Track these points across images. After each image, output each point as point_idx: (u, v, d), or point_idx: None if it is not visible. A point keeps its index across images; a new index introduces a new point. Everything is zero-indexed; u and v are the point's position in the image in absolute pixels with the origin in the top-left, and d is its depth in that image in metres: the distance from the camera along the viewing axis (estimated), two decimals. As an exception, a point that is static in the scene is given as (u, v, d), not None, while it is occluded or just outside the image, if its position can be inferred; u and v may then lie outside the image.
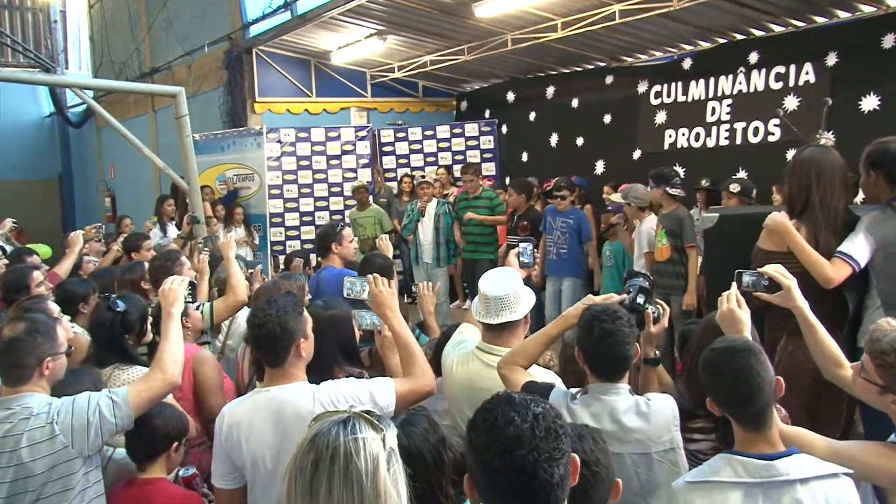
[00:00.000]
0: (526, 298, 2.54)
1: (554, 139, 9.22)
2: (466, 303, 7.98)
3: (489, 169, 9.86)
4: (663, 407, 2.14)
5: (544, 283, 6.53)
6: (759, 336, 2.30)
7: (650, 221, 5.85)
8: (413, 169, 9.85)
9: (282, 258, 7.43)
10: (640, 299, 2.35)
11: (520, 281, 2.56)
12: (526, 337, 2.50)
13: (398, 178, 9.57)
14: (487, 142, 9.97)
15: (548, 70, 9.49)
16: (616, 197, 6.37)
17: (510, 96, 9.92)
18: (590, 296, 2.36)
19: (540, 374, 2.42)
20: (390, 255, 4.13)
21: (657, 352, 2.42)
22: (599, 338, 2.09)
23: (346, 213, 8.97)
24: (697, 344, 2.23)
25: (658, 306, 2.40)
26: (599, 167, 8.55)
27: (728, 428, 1.85)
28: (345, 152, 9.57)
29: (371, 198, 8.71)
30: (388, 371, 2.66)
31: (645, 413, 2.10)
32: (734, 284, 2.23)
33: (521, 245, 2.89)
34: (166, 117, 9.58)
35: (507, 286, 2.51)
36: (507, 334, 2.51)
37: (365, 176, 9.35)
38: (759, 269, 2.30)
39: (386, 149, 10.08)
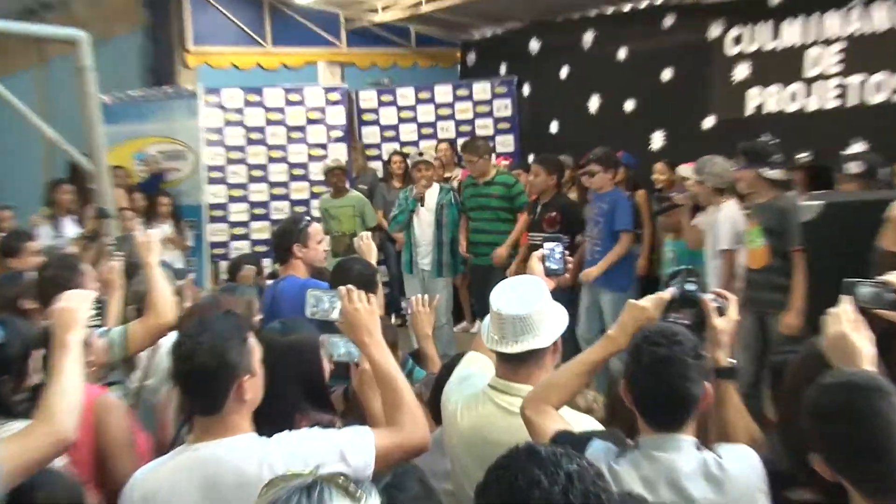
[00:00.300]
0: (555, 318, 2.56)
1: (594, 103, 9.21)
2: (476, 325, 7.97)
3: (506, 143, 9.91)
4: (744, 468, 2.11)
5: (574, 286, 6.50)
6: (888, 371, 2.19)
7: (730, 209, 5.82)
8: (403, 144, 9.89)
9: (225, 265, 7.43)
10: (691, 286, 2.39)
11: (547, 294, 2.56)
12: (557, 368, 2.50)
13: (385, 158, 9.56)
14: (503, 107, 9.98)
15: (585, 10, 9.47)
16: (686, 171, 6.33)
17: (534, 46, 9.92)
18: (631, 301, 2.38)
19: (577, 422, 2.43)
20: (373, 260, 4.15)
21: (731, 360, 2.40)
22: (651, 366, 2.10)
23: (315, 202, 8.99)
24: (795, 379, 2.22)
25: (721, 298, 2.43)
26: (657, 140, 8.55)
27: (844, 498, 1.82)
28: (311, 122, 9.58)
29: (348, 182, 8.71)
30: (368, 418, 2.68)
31: (717, 477, 2.08)
32: (846, 298, 2.23)
33: (547, 245, 2.89)
34: (62, 71, 9.52)
35: (529, 301, 2.52)
36: (531, 367, 2.53)
37: (339, 153, 9.36)
38: (882, 278, 2.30)
39: (367, 117, 10.10)
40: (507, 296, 2.56)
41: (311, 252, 4.34)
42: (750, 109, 7.75)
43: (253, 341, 2.26)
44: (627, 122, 8.78)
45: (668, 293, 2.38)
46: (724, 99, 7.96)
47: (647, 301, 2.37)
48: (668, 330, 2.17)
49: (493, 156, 8.01)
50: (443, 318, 7.37)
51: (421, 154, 7.99)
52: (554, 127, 9.66)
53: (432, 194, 7.73)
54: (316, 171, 9.23)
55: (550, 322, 2.54)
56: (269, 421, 2.27)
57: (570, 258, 3.02)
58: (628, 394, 2.18)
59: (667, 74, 8.51)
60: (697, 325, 2.33)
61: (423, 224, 7.74)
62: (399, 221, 7.79)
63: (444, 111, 10.05)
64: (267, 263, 7.46)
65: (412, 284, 7.86)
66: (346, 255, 4.90)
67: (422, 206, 7.69)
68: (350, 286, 2.54)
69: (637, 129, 8.63)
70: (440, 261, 7.72)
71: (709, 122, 8.07)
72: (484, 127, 9.93)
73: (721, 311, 2.39)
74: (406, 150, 9.58)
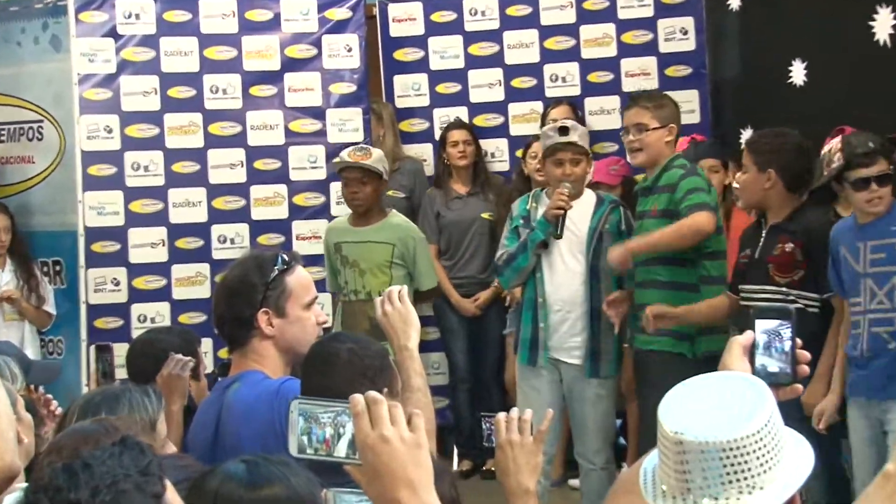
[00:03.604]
0: (790, 454, 1.89)
1: (882, 24, 5.76)
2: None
3: (684, 105, 5.54)
4: None
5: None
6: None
7: None
8: (475, 109, 5.91)
9: (121, 350, 4.84)
10: None
11: (773, 407, 1.91)
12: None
13: (438, 133, 5.91)
14: (677, 33, 5.86)
15: None
16: None
17: None
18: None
19: None
20: (413, 342, 2.73)
21: None
22: None
23: (300, 225, 5.80)
24: None
25: None
26: None
27: None
28: (294, 64, 5.85)
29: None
30: None
31: None
32: None
33: (761, 325, 2.10)
34: None
35: (739, 419, 1.90)
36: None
37: (350, 124, 5.82)
38: None
39: (403, 55, 6.07)
40: (693, 407, 1.89)
41: (291, 325, 2.85)
42: None
43: (172, 494, 1.76)
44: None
45: None
46: None
47: None
48: None
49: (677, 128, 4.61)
50: (596, 458, 4.53)
51: (563, 130, 4.56)
52: (798, 74, 6.12)
53: (583, 211, 4.54)
54: (301, 162, 5.74)
55: (781, 461, 1.84)
56: None
57: (803, 352, 2.05)
58: None
59: None
60: None
61: (561, 271, 4.52)
62: (521, 268, 4.55)
63: (558, 42, 5.91)
64: (207, 348, 4.95)
65: (529, 389, 4.62)
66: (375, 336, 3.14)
67: (558, 235, 4.41)
68: (373, 393, 1.82)
69: None
70: (596, 346, 4.49)
71: None
72: (641, 73, 5.83)
73: None
74: (479, 119, 5.82)
